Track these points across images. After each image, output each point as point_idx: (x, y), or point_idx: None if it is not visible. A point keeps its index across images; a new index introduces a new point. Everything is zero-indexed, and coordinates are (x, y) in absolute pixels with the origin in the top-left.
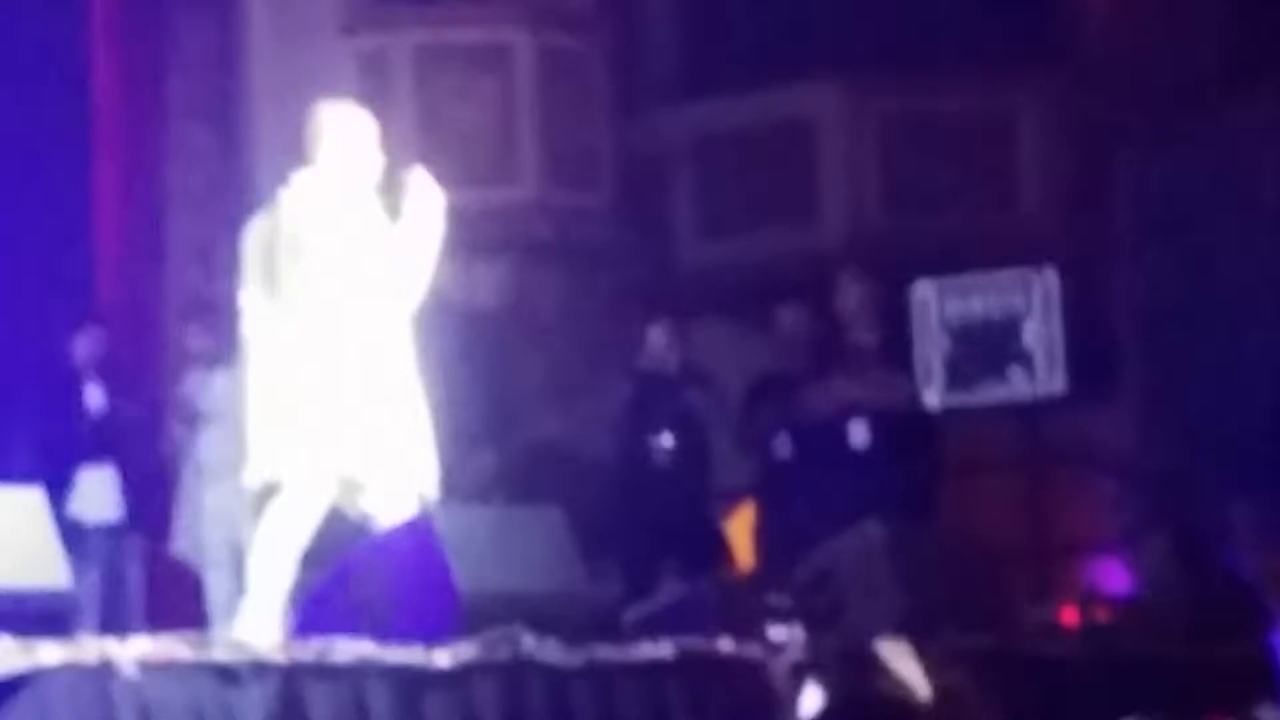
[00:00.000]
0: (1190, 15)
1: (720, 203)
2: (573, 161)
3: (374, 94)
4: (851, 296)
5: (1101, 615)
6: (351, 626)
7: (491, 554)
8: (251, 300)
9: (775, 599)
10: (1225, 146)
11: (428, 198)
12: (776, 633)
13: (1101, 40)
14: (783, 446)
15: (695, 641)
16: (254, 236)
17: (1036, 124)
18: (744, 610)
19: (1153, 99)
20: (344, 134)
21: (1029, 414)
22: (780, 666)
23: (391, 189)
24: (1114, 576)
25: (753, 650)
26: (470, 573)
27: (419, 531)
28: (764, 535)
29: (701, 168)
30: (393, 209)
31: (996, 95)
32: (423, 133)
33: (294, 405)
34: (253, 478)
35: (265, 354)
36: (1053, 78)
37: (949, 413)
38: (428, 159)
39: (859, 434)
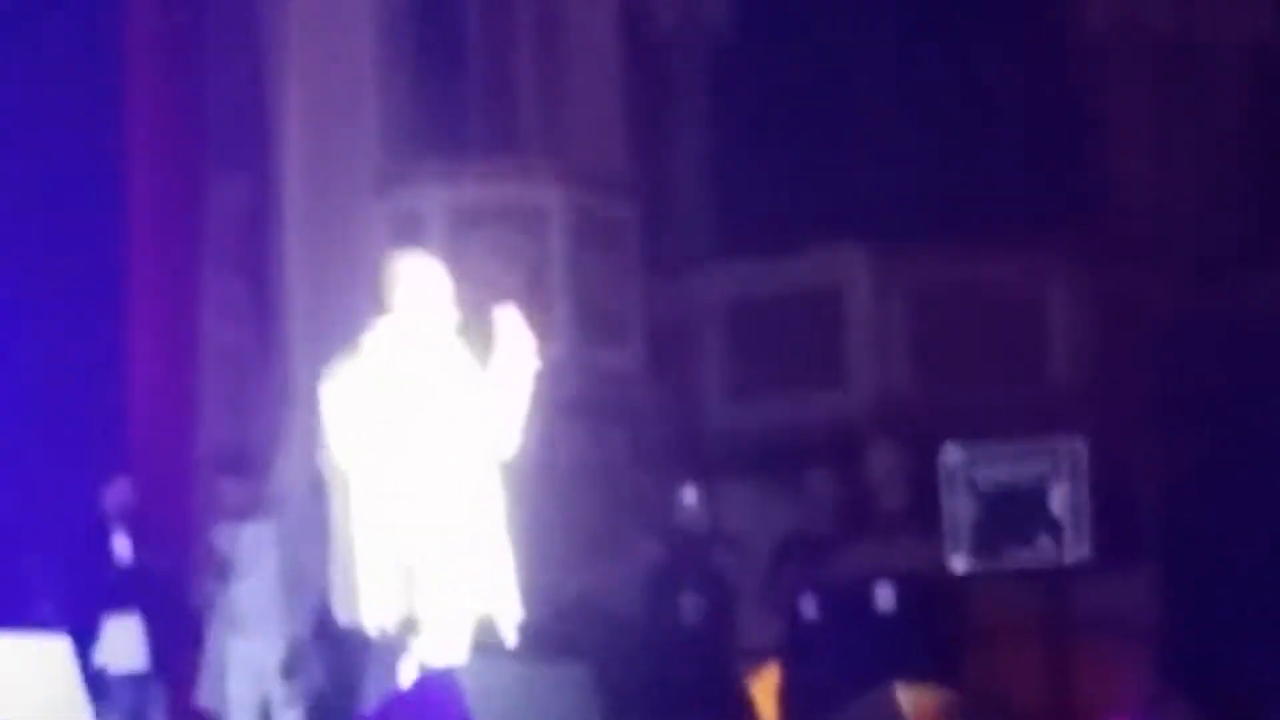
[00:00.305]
0: (1218, 190)
1: (749, 366)
2: (604, 321)
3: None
4: (880, 463)
5: None
6: None
7: (517, 711)
8: (337, 449)
9: None
10: (1249, 318)
11: (518, 341)
12: None
13: (1128, 214)
14: (809, 608)
15: None
16: (339, 385)
17: (1065, 293)
18: None
19: (1180, 271)
20: (420, 282)
21: (1054, 580)
22: None
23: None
24: None
25: None
26: None
27: (444, 686)
28: (788, 696)
29: (731, 330)
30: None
31: (1023, 265)
32: (455, 292)
33: (387, 550)
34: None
35: (353, 501)
36: (1079, 249)
37: (975, 578)
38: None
39: (885, 597)
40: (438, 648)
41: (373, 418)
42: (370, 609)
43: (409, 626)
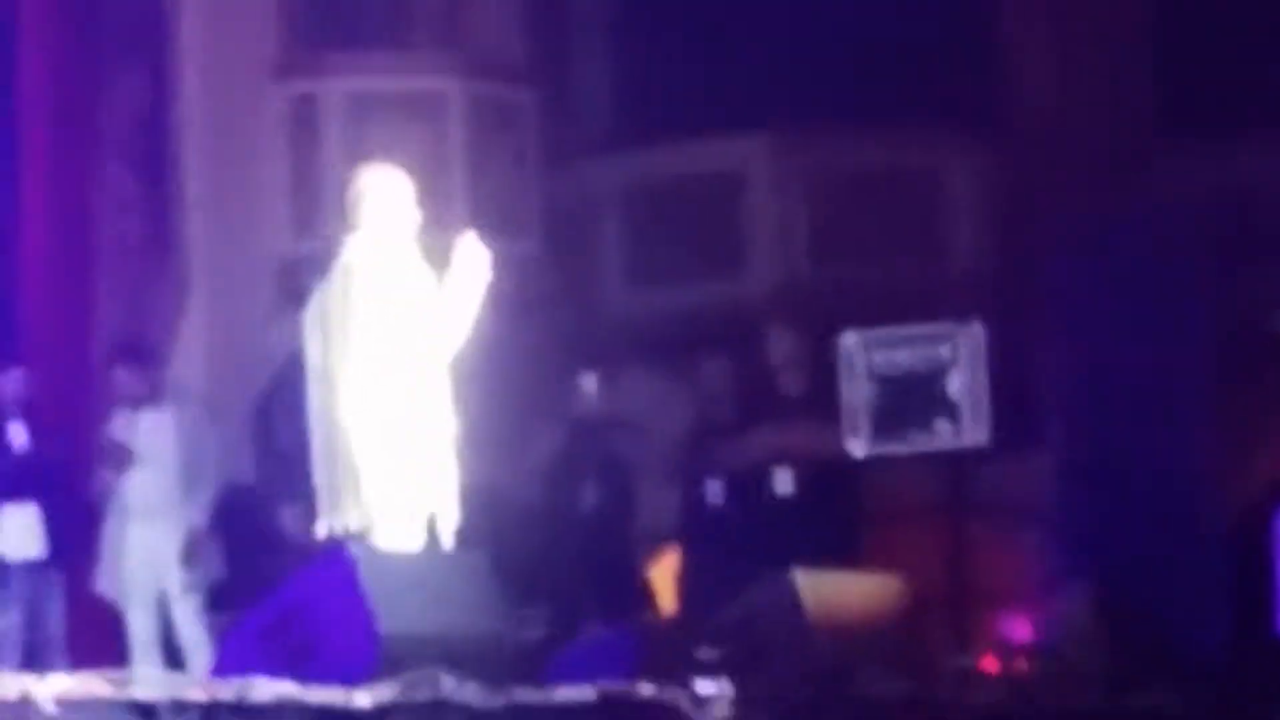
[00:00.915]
0: (1120, 82)
1: (649, 253)
2: (503, 209)
3: (304, 139)
4: (779, 347)
5: (1020, 665)
6: (272, 665)
7: (415, 595)
8: (318, 357)
9: (703, 651)
10: (1153, 209)
11: (475, 259)
12: (704, 686)
13: (1030, 101)
14: (708, 492)
15: (615, 685)
16: (316, 303)
17: (963, 178)
18: (666, 656)
19: (1080, 159)
20: (384, 196)
21: (952, 464)
22: (709, 717)
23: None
24: (1034, 626)
25: (677, 699)
26: (394, 614)
27: (342, 572)
28: (688, 580)
29: (631, 218)
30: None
31: (924, 150)
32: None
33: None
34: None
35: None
36: (979, 132)
37: (873, 462)
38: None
39: (784, 482)
40: (388, 544)
41: (343, 329)
42: (330, 505)
43: (364, 523)
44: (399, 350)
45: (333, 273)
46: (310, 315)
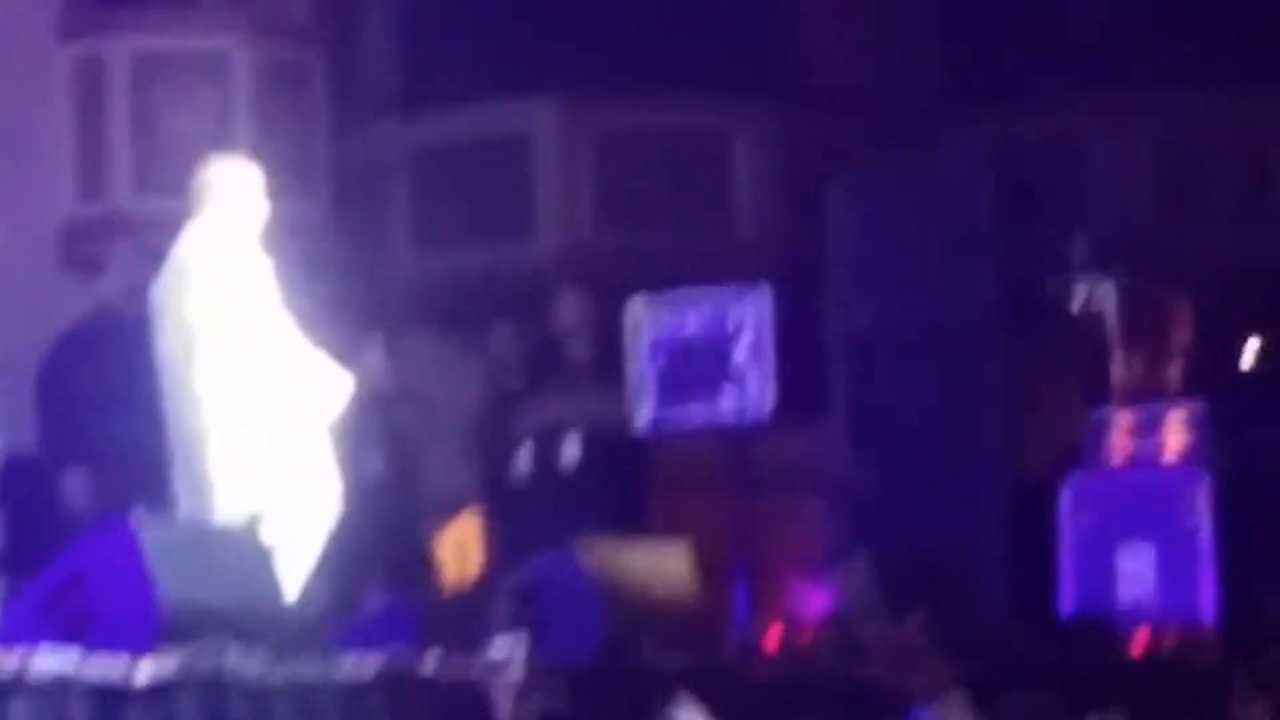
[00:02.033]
0: (905, 47)
1: (436, 216)
2: (288, 170)
3: (90, 100)
4: (566, 312)
5: (805, 635)
6: (54, 634)
7: (195, 567)
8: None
9: (491, 620)
10: (937, 175)
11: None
12: (498, 650)
13: (818, 66)
14: (500, 461)
15: (400, 657)
16: (158, 293)
17: (751, 143)
18: (453, 625)
19: (867, 126)
20: (231, 186)
21: (739, 433)
22: (500, 686)
23: None
24: (820, 596)
25: (467, 668)
26: (174, 585)
27: (123, 541)
28: (477, 550)
29: (418, 180)
30: None
31: (712, 114)
32: (138, 139)
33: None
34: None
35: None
36: (768, 98)
37: (660, 431)
38: (144, 165)
39: (570, 450)
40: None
41: (180, 314)
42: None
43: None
44: (239, 339)
45: (173, 257)
46: (156, 303)
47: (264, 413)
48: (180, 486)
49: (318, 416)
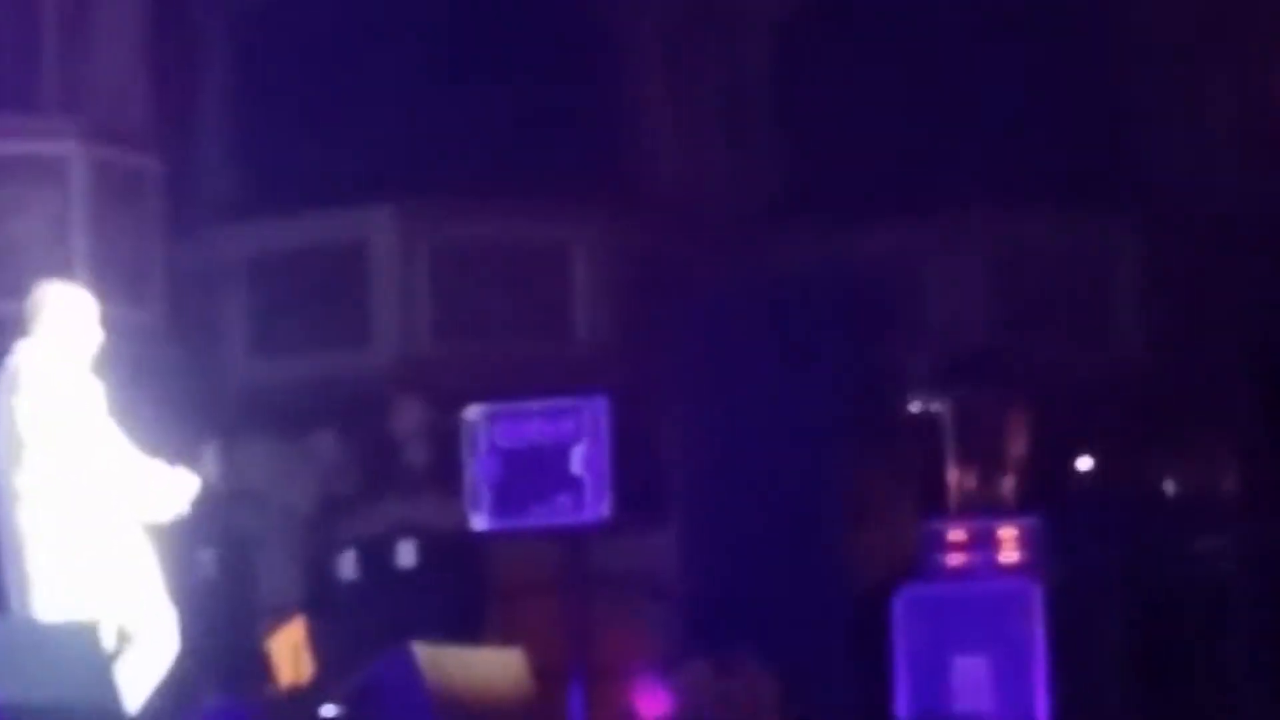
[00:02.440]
0: (746, 155)
1: (272, 323)
2: (125, 276)
3: None
4: (403, 419)
5: None
6: None
7: (31, 666)
8: None
9: (323, 713)
10: (777, 286)
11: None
12: None
13: (657, 176)
14: (333, 564)
15: None
16: None
17: (589, 254)
18: None
19: (706, 234)
20: (62, 310)
21: (575, 539)
22: None
23: None
24: (655, 700)
25: None
26: (8, 685)
27: None
28: (317, 651)
29: (254, 287)
30: None
31: (550, 224)
32: None
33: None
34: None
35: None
36: (606, 208)
37: (496, 536)
38: None
39: (407, 554)
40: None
41: (25, 426)
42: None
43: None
44: (65, 448)
45: (4, 366)
46: None
47: (88, 518)
48: (8, 586)
49: (148, 519)
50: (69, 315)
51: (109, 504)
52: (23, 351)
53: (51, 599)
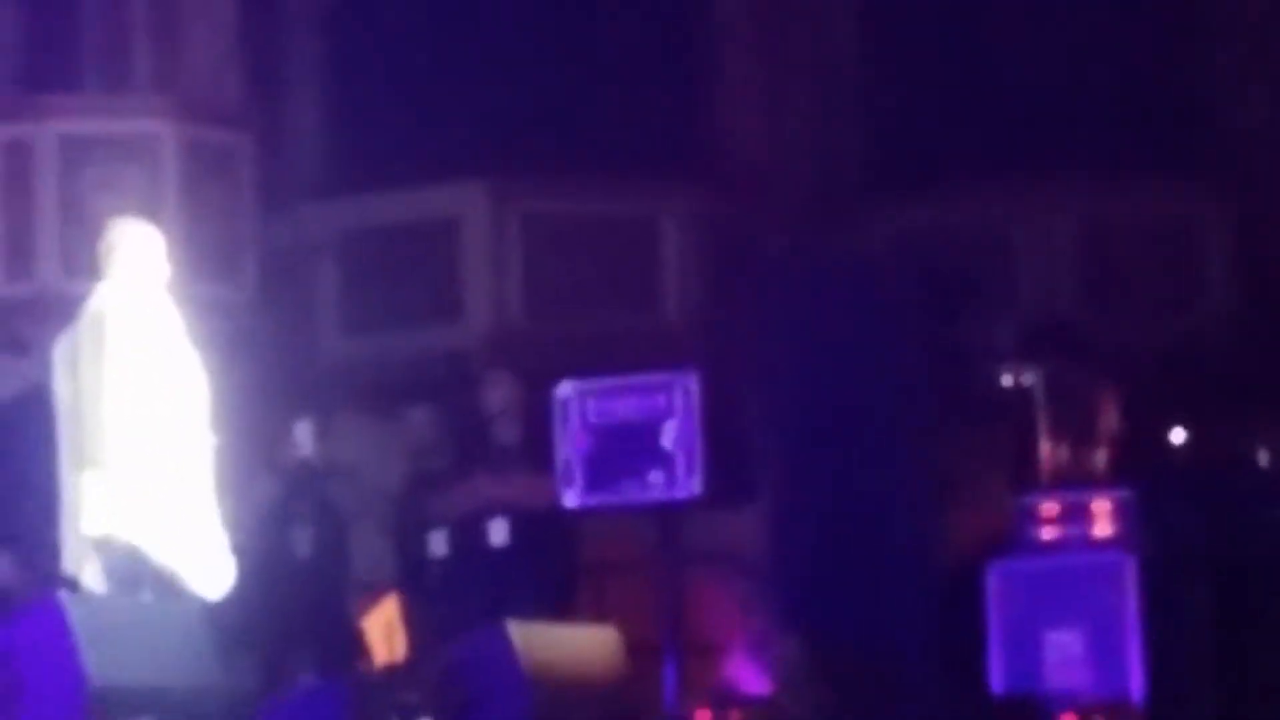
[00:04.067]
0: (832, 128)
1: (364, 299)
2: (217, 253)
3: (17, 183)
4: (495, 395)
5: (735, 715)
6: None
7: (127, 645)
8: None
9: (407, 695)
10: (863, 260)
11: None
12: None
13: (741, 149)
14: (429, 542)
15: None
16: (65, 348)
17: (678, 228)
18: (379, 705)
19: (792, 207)
20: (138, 250)
21: (667, 515)
22: None
23: None
24: (749, 677)
25: None
26: (105, 663)
27: (51, 619)
28: (411, 629)
29: (346, 264)
30: None
31: (639, 199)
32: (66, 222)
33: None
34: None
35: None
36: (694, 183)
37: (588, 512)
38: (71, 247)
39: (499, 532)
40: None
41: (93, 373)
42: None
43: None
44: (148, 397)
45: (83, 318)
46: (60, 358)
47: (160, 450)
48: (70, 541)
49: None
50: (141, 252)
51: (181, 437)
52: (101, 295)
53: (110, 525)
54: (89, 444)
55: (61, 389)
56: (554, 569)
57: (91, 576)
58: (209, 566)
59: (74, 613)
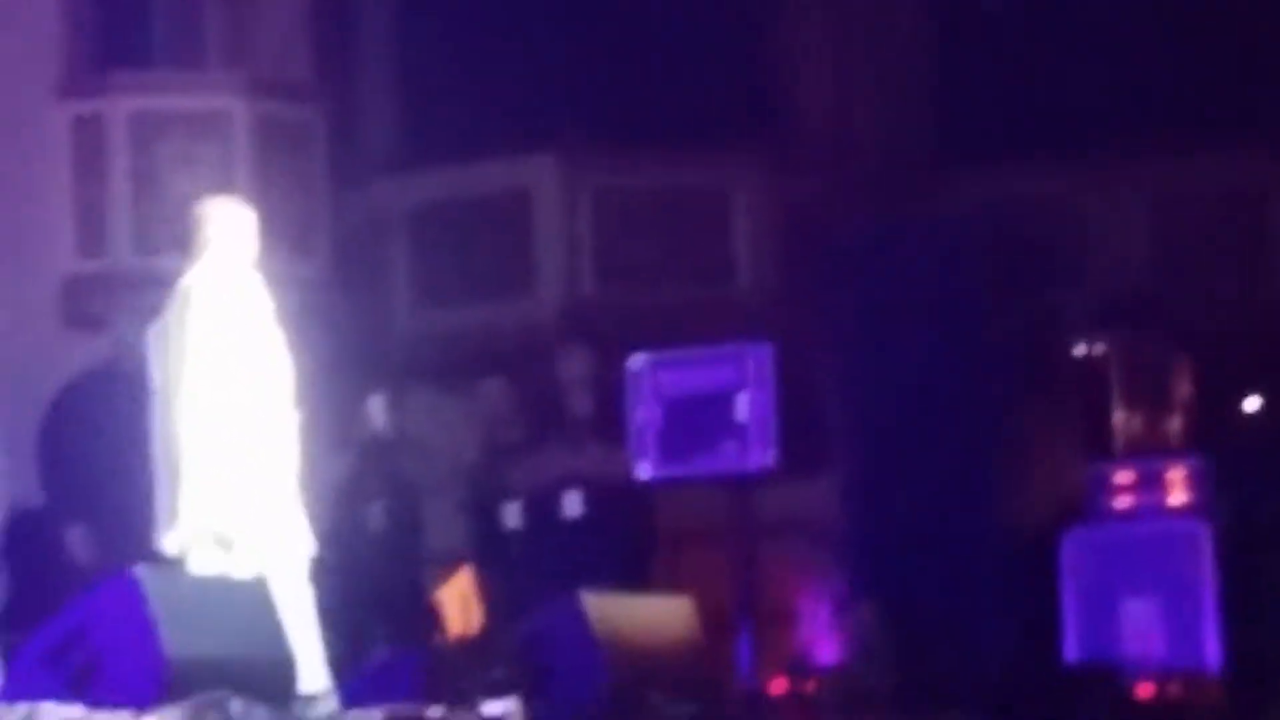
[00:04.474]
0: (903, 100)
1: (437, 273)
2: (290, 229)
3: (89, 159)
4: (569, 367)
5: (810, 685)
6: (58, 688)
7: (200, 619)
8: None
9: (491, 673)
10: (936, 231)
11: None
12: (492, 707)
13: (812, 120)
14: (502, 515)
15: (404, 708)
16: (158, 332)
17: (749, 200)
18: (454, 678)
19: (863, 179)
20: (227, 227)
21: (741, 486)
22: None
23: None
24: (824, 646)
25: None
26: (179, 637)
27: (127, 594)
28: (485, 601)
29: (418, 237)
30: None
31: (710, 171)
32: (138, 198)
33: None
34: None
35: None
36: (764, 155)
37: (662, 484)
38: (144, 223)
39: (573, 503)
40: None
41: (182, 351)
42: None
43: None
44: (237, 375)
45: (173, 297)
46: (153, 342)
47: (243, 431)
48: (162, 515)
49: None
50: (231, 229)
51: (267, 415)
52: (192, 273)
53: (198, 508)
54: (180, 423)
55: (155, 372)
56: (628, 541)
57: (179, 551)
58: (292, 544)
59: (150, 587)
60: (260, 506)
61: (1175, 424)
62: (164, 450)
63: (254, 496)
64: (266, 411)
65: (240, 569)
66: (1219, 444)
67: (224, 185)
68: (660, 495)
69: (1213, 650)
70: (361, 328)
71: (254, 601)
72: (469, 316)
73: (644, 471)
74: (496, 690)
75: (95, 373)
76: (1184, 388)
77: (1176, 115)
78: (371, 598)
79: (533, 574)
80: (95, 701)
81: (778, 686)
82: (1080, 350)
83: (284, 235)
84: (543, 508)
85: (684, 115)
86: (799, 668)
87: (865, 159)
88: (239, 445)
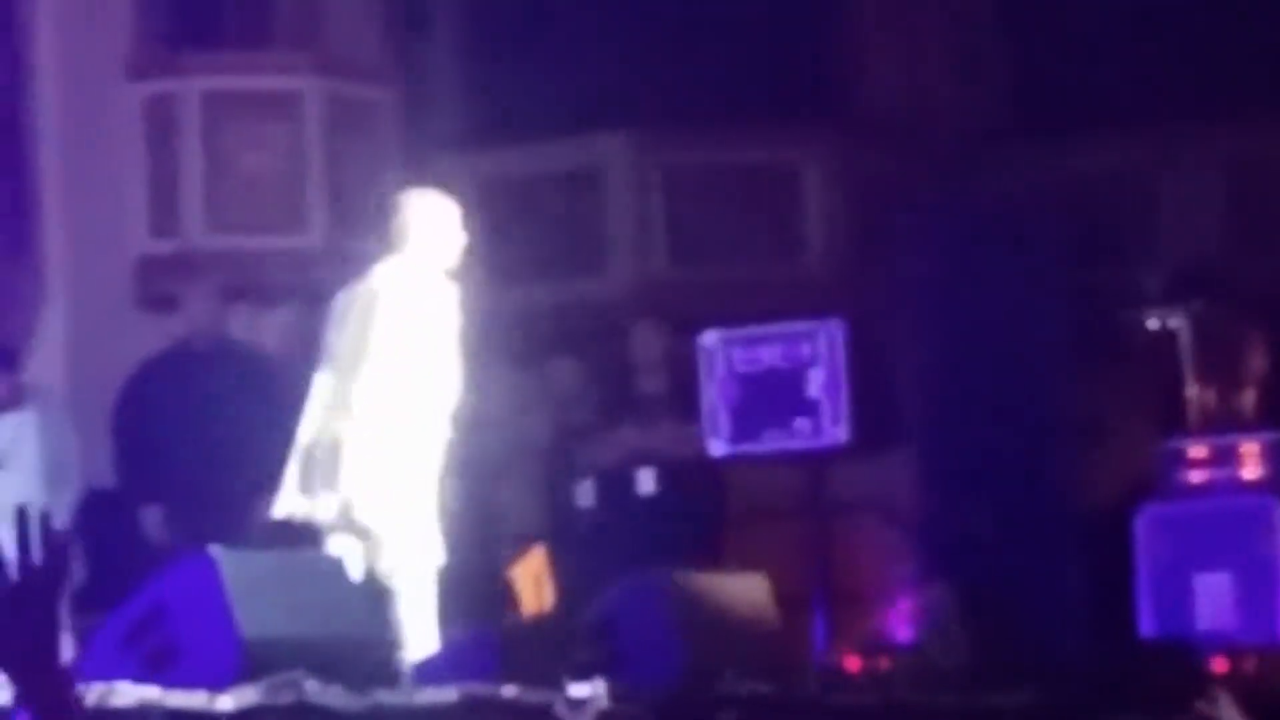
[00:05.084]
0: (971, 74)
1: (507, 251)
2: (361, 209)
3: (161, 139)
4: (641, 346)
5: (884, 663)
6: (134, 668)
7: (275, 599)
8: (332, 368)
9: (567, 652)
10: (1007, 206)
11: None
12: (579, 689)
13: (882, 95)
14: (576, 493)
15: (479, 687)
16: (342, 311)
17: (819, 176)
18: (529, 657)
19: (933, 154)
20: (430, 222)
21: (814, 463)
22: (584, 717)
23: None
24: (898, 625)
25: (550, 701)
26: (254, 617)
27: (203, 574)
28: (559, 580)
29: (489, 216)
30: None
31: (780, 147)
32: (211, 179)
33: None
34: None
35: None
36: (834, 131)
37: (734, 461)
38: (216, 203)
39: (646, 482)
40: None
41: (362, 337)
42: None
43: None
44: (410, 378)
45: (362, 286)
46: (342, 305)
47: (404, 434)
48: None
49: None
50: (429, 225)
51: (423, 426)
52: (386, 268)
53: (346, 489)
54: (337, 405)
55: (332, 338)
56: (702, 518)
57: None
58: (425, 551)
59: (226, 568)
60: (404, 508)
61: (1249, 398)
62: (316, 427)
63: (401, 497)
64: (427, 419)
65: (367, 561)
66: None
67: (295, 165)
68: (733, 472)
69: None
70: None
71: (331, 581)
72: (540, 295)
73: (716, 449)
74: (580, 672)
75: (168, 353)
76: (1258, 361)
77: (1249, 86)
78: (446, 576)
79: (606, 552)
80: (171, 682)
81: (851, 665)
82: (1153, 324)
83: (355, 215)
84: (615, 486)
85: (755, 91)
86: (872, 646)
87: (936, 133)
88: (398, 443)
